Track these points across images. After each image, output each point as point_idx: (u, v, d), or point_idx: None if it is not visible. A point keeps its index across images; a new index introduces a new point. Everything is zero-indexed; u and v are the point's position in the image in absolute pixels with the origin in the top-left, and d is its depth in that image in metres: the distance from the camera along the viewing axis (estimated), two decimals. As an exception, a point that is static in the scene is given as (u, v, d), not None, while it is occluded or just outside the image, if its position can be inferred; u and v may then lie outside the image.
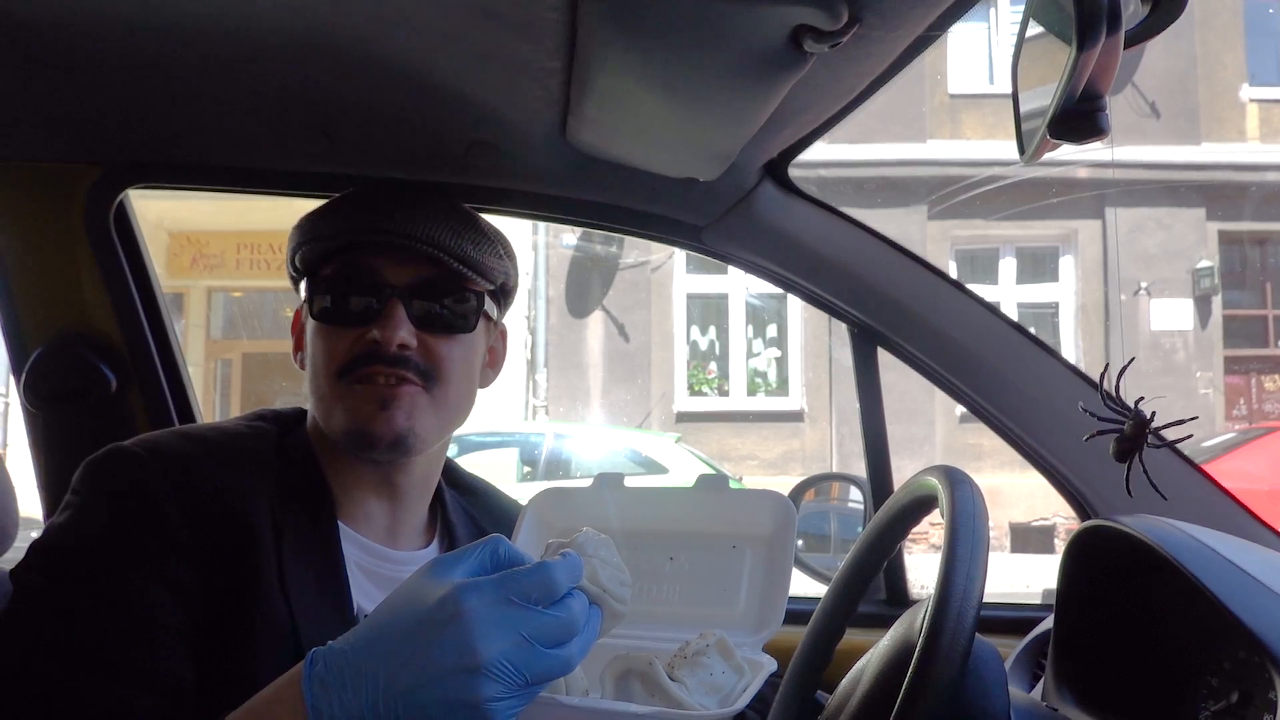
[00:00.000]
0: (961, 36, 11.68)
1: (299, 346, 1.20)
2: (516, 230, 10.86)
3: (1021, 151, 0.83)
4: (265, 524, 1.02)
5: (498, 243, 1.19)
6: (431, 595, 0.73)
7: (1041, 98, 0.77)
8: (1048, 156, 0.82)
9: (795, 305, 11.71)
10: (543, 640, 0.73)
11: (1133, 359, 1.11)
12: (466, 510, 1.27)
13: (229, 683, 0.83)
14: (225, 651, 0.95)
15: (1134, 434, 1.07)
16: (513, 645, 0.72)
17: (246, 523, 1.01)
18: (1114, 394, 1.06)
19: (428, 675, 0.71)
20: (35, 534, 1.02)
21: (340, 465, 1.13)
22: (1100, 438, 1.11)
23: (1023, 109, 0.86)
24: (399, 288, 1.10)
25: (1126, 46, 0.71)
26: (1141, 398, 1.08)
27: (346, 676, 0.72)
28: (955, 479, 0.88)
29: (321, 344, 1.11)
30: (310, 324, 1.14)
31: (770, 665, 0.94)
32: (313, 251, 1.14)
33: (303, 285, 1.16)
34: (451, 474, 1.29)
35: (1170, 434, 1.09)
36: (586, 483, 1.13)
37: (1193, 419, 1.06)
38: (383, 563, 1.13)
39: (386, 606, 0.76)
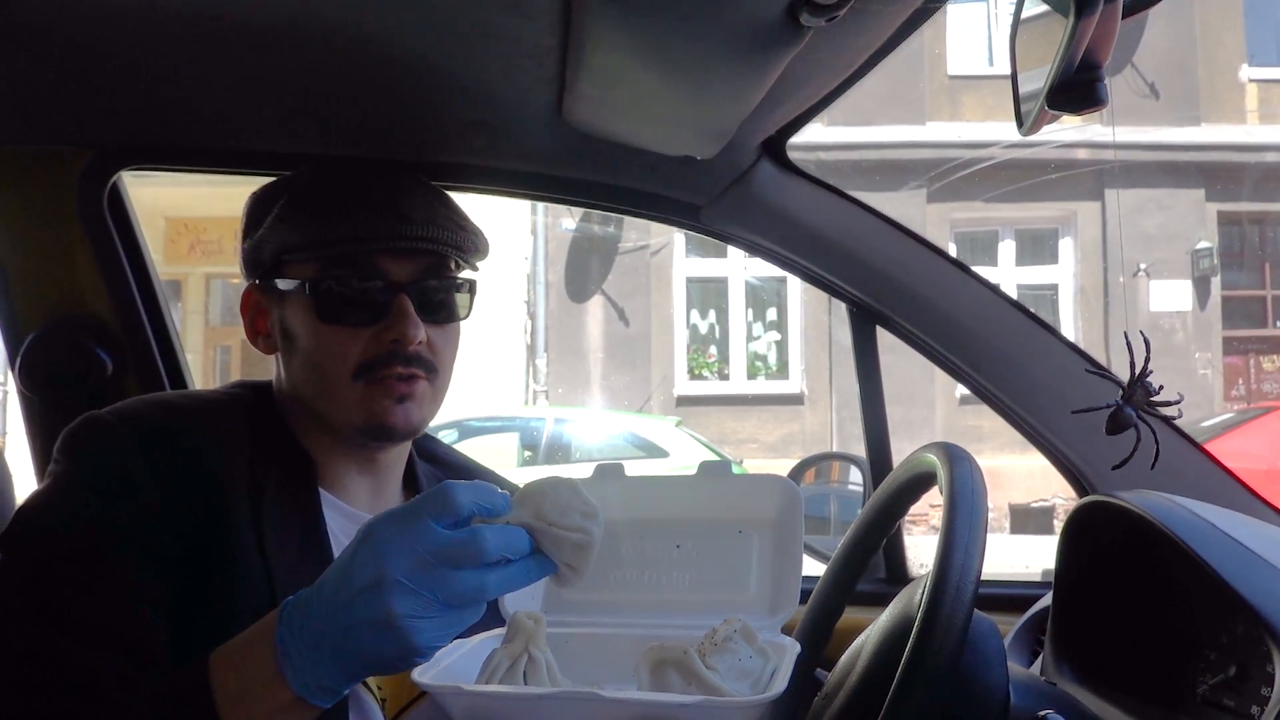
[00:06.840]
0: (960, 17, 11.61)
1: (261, 330, 1.17)
2: (515, 213, 10.82)
3: (1020, 124, 0.83)
4: (242, 487, 1.04)
5: (468, 218, 1.18)
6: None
7: (1040, 75, 0.77)
8: (1047, 137, 0.82)
9: (795, 288, 11.69)
10: (444, 560, 0.77)
11: (1129, 340, 1.11)
12: (438, 478, 1.27)
13: (207, 644, 0.85)
14: (203, 613, 0.97)
15: (1124, 409, 1.08)
16: (414, 562, 0.76)
17: (221, 486, 1.03)
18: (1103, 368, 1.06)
19: (346, 598, 0.78)
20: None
21: (320, 437, 1.14)
22: (1092, 414, 1.11)
23: (1021, 83, 0.85)
24: (405, 284, 1.10)
25: (1125, 16, 0.70)
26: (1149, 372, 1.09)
27: (306, 618, 0.80)
28: (954, 455, 0.88)
29: (329, 343, 1.10)
30: (304, 319, 1.11)
31: (794, 647, 0.95)
32: (314, 254, 1.10)
33: (284, 282, 1.12)
34: (422, 446, 1.30)
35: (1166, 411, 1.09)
36: (587, 472, 1.13)
37: (1179, 402, 1.07)
38: None
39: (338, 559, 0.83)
